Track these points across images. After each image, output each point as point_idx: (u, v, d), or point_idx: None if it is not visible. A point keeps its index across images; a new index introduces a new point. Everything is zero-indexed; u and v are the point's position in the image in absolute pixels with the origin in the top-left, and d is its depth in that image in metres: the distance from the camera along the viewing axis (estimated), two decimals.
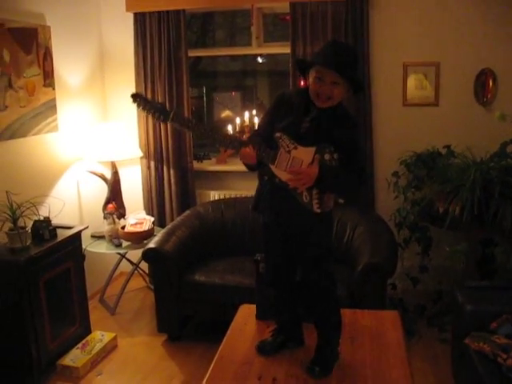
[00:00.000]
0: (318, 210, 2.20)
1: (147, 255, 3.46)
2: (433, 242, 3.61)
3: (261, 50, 4.42)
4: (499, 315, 2.58)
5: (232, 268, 3.53)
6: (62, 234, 3.30)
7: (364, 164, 2.37)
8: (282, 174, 2.17)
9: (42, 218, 3.20)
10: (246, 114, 4.36)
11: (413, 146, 3.75)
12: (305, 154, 2.18)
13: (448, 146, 3.60)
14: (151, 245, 3.48)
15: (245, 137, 3.95)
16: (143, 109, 2.12)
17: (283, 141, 2.17)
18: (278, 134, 2.18)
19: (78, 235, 3.43)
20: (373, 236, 3.46)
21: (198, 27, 5.11)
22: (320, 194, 2.20)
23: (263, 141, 2.20)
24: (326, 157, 2.18)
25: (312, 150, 2.18)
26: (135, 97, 2.11)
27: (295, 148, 2.18)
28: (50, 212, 3.30)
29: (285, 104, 2.28)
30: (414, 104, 3.95)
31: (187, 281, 3.46)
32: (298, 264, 2.31)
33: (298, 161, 2.17)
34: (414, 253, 3.73)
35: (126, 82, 4.33)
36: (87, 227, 3.55)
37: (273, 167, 2.18)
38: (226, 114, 5.39)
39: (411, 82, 3.93)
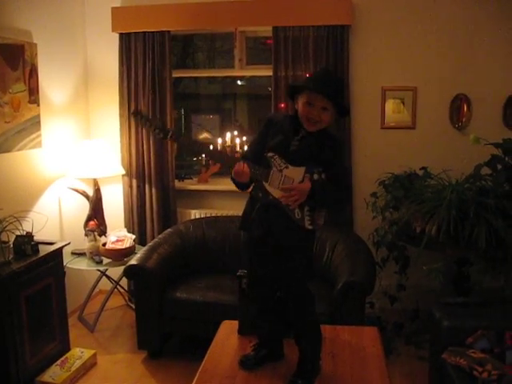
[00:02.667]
0: (310, 227, 2.30)
1: (129, 271, 3.47)
2: (410, 261, 3.70)
3: (243, 73, 4.52)
4: (475, 330, 2.65)
5: (213, 285, 3.56)
6: (44, 250, 3.30)
7: (349, 182, 2.48)
8: (275, 192, 2.27)
9: (24, 233, 3.20)
10: (228, 135, 4.44)
11: (391, 168, 3.85)
12: (295, 173, 2.29)
13: (425, 168, 3.71)
14: (133, 261, 3.50)
15: (237, 155, 4.06)
16: (144, 125, 2.20)
17: (275, 160, 2.28)
18: (270, 154, 2.28)
19: (59, 251, 3.43)
20: (352, 255, 3.53)
21: (178, 50, 5.18)
22: (311, 211, 2.30)
23: (255, 160, 2.30)
24: (315, 177, 2.30)
25: (302, 169, 2.30)
26: (136, 114, 2.19)
27: (286, 167, 2.29)
28: (33, 227, 3.30)
29: (274, 125, 2.38)
30: (392, 127, 4.07)
31: (169, 298, 3.47)
32: (281, 279, 2.37)
33: (289, 179, 2.28)
34: (392, 271, 3.80)
35: (110, 101, 4.38)
36: (69, 243, 3.55)
37: (266, 185, 2.27)
38: (204, 135, 5.46)
39: (389, 105, 4.05)
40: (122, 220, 4.45)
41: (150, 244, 3.81)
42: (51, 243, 3.43)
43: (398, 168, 3.82)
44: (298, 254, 2.33)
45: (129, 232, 4.28)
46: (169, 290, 3.51)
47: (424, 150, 3.99)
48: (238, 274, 2.66)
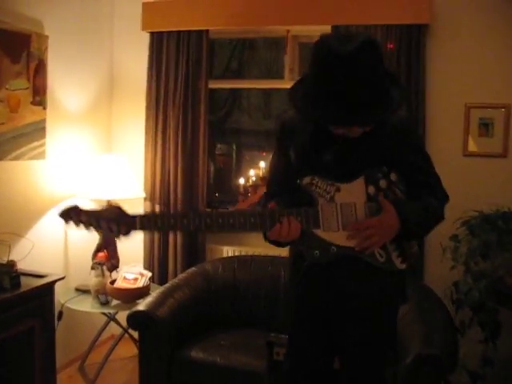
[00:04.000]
0: (404, 265, 1.62)
1: (133, 320, 2.72)
2: (502, 328, 2.80)
3: None
4: None
5: (240, 344, 2.77)
6: (29, 284, 2.60)
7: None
8: (338, 237, 1.55)
9: (5, 262, 2.53)
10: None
11: (476, 205, 3.00)
12: (353, 193, 1.57)
13: None
14: (140, 307, 2.75)
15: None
16: (85, 227, 1.55)
17: (318, 186, 1.56)
18: (307, 180, 1.57)
19: (49, 286, 2.71)
20: (424, 316, 2.68)
21: (219, 59, 4.51)
22: (398, 243, 1.62)
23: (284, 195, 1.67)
24: (382, 184, 1.58)
25: (360, 181, 1.58)
26: (65, 215, 1.64)
27: (338, 190, 1.57)
28: (23, 255, 2.66)
29: (292, 132, 1.71)
30: (478, 154, 3.23)
31: (181, 357, 2.70)
32: (356, 357, 1.71)
33: (349, 208, 1.57)
34: (476, 340, 2.91)
35: (137, 111, 3.74)
36: (63, 278, 2.83)
37: (320, 232, 1.55)
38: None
39: (474, 127, 3.23)
40: (139, 254, 3.73)
41: (166, 285, 3.07)
42: (41, 276, 2.73)
43: (486, 205, 2.96)
44: (388, 315, 1.71)
45: (147, 268, 3.56)
46: (182, 346, 2.74)
47: None
48: (269, 339, 1.89)
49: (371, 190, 1.59)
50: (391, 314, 1.72)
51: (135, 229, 1.52)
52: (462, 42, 3.22)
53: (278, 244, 1.63)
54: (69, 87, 3.40)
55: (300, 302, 1.72)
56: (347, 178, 1.58)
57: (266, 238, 1.64)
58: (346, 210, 1.56)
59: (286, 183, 1.68)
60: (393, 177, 1.62)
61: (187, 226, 1.50)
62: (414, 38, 3.15)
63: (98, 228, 1.56)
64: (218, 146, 4.88)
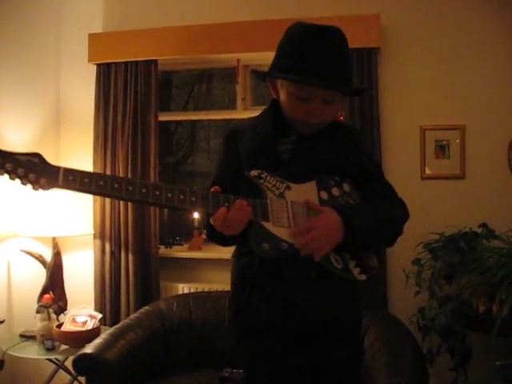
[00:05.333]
0: (364, 277, 1.48)
1: (79, 364, 2.49)
2: (471, 353, 2.68)
3: (248, 114, 3.69)
4: None
5: None
6: None
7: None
8: (287, 234, 1.42)
9: None
10: None
11: (436, 227, 2.93)
12: (304, 195, 1.47)
13: (484, 225, 2.78)
14: (87, 349, 2.53)
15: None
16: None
17: (267, 180, 1.44)
18: (254, 172, 1.44)
19: None
20: (390, 346, 2.55)
21: (167, 91, 4.40)
22: (354, 252, 1.51)
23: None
24: (335, 192, 1.50)
25: (312, 185, 1.49)
26: None
27: (288, 188, 1.46)
28: None
29: (242, 136, 1.62)
30: (435, 177, 3.18)
31: None
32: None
33: (301, 207, 1.46)
34: (444, 367, 2.78)
35: (85, 145, 3.55)
36: (3, 321, 2.61)
37: (269, 225, 1.40)
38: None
39: (430, 149, 3.18)
40: (89, 294, 3.49)
41: (117, 326, 2.85)
42: None
43: (447, 227, 2.89)
44: (351, 334, 1.57)
45: (98, 310, 3.34)
46: None
47: (478, 203, 3.06)
48: (222, 374, 1.72)
49: (324, 195, 1.48)
50: (352, 333, 1.57)
51: (57, 184, 1.29)
52: (414, 65, 3.20)
53: (222, 239, 1.49)
54: (13, 121, 3.23)
55: (248, 335, 1.56)
56: (298, 179, 1.49)
57: (208, 234, 1.53)
58: (297, 208, 1.45)
59: (229, 180, 1.56)
60: (346, 187, 1.53)
61: (118, 191, 1.30)
62: (365, 61, 3.12)
63: (13, 174, 1.29)
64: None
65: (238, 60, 3.54)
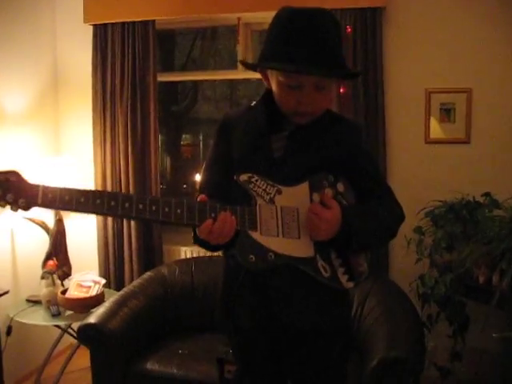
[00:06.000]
0: (351, 284, 1.45)
1: (83, 334, 2.55)
2: (469, 322, 2.70)
3: (248, 75, 3.61)
4: None
5: (199, 352, 2.62)
6: None
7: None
8: (278, 243, 1.38)
9: None
10: None
11: (440, 194, 2.89)
12: (296, 198, 1.41)
13: (488, 194, 2.74)
14: (90, 319, 2.57)
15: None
16: None
17: (257, 185, 1.39)
18: (244, 177, 1.39)
19: None
20: (389, 314, 2.58)
21: (167, 50, 4.30)
22: (343, 257, 1.46)
23: (219, 195, 1.47)
24: (328, 193, 1.44)
25: (304, 187, 1.43)
26: None
27: (279, 192, 1.40)
28: None
29: (235, 128, 1.53)
30: (440, 141, 3.12)
31: (136, 369, 2.54)
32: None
33: (291, 213, 1.41)
34: (443, 334, 2.81)
35: (85, 108, 3.51)
36: (7, 292, 2.64)
37: (256, 235, 1.36)
38: None
39: (435, 113, 3.11)
40: (94, 259, 3.53)
41: (120, 293, 2.89)
42: None
43: (450, 194, 2.85)
44: (338, 338, 1.54)
45: (102, 274, 3.39)
46: (138, 358, 2.57)
47: (483, 170, 3.02)
48: (220, 356, 1.74)
49: (316, 197, 1.43)
50: (339, 338, 1.55)
51: (37, 204, 1.24)
52: (420, 25, 3.09)
53: (208, 247, 1.42)
54: (10, 85, 3.17)
55: (239, 331, 1.55)
56: (290, 182, 1.43)
57: (195, 239, 1.44)
58: (287, 214, 1.40)
59: (220, 184, 1.51)
60: (340, 187, 1.47)
61: (100, 207, 1.25)
62: (369, 21, 3.01)
63: None
64: (184, 136, 4.70)
65: (239, 19, 3.42)
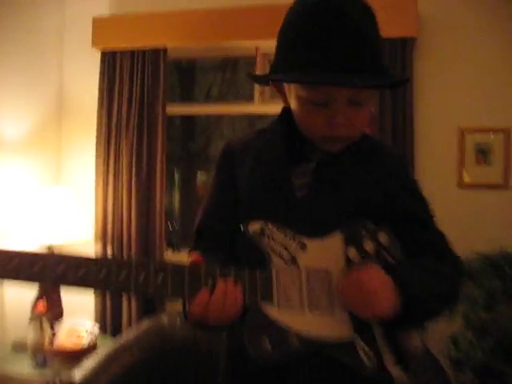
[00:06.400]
0: (403, 376, 1.06)
1: None
2: None
3: (265, 109, 3.35)
4: None
5: None
6: None
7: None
8: (303, 322, 1.03)
9: None
10: None
11: (475, 245, 2.56)
12: (326, 255, 1.08)
13: None
14: (77, 376, 2.26)
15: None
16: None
17: (272, 238, 1.06)
18: (255, 227, 1.06)
19: None
20: (420, 376, 2.23)
21: (178, 79, 4.10)
22: (390, 336, 1.09)
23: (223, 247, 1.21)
24: (368, 246, 1.10)
25: (336, 239, 1.09)
26: None
27: (302, 247, 1.07)
28: None
29: (241, 159, 1.21)
30: (475, 185, 2.82)
31: None
32: None
33: (320, 277, 1.07)
34: None
35: (88, 138, 3.27)
36: None
37: (273, 311, 1.03)
38: None
39: (470, 154, 2.82)
40: (89, 301, 3.23)
41: (112, 347, 2.56)
42: None
43: (487, 245, 2.53)
44: None
45: (99, 318, 3.10)
46: None
47: None
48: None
49: (353, 253, 1.09)
50: None
51: None
52: (454, 59, 2.83)
53: (206, 328, 1.04)
54: (14, 110, 2.97)
55: None
56: (317, 232, 1.09)
57: (185, 316, 1.07)
58: (315, 278, 1.06)
59: (224, 225, 1.21)
60: (383, 238, 1.12)
61: (40, 275, 0.93)
62: (399, 53, 2.75)
63: None
64: (199, 174, 4.49)
65: (257, 48, 3.20)
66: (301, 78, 1.03)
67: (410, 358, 1.10)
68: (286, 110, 1.19)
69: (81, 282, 0.94)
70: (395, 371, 1.06)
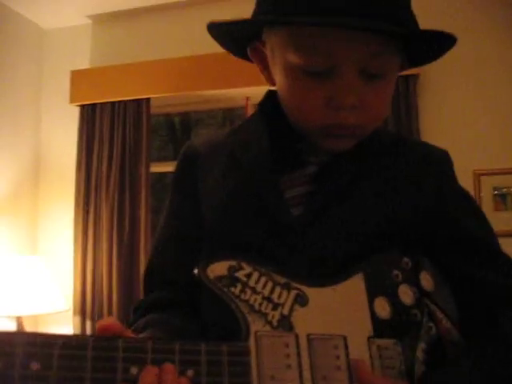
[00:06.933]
0: None
1: None
2: None
3: None
4: None
5: None
6: None
7: None
8: None
9: None
10: None
11: None
12: (339, 315, 0.67)
13: None
14: None
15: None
16: None
17: (250, 288, 0.67)
18: (219, 271, 0.67)
19: None
20: None
21: (163, 136, 3.88)
22: None
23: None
24: (405, 297, 0.70)
25: (356, 285, 0.69)
26: None
27: (300, 301, 0.68)
28: None
29: (207, 167, 0.83)
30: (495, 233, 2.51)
31: None
32: None
33: (329, 348, 0.65)
34: None
35: (66, 200, 2.98)
36: None
37: None
38: None
39: (487, 200, 2.53)
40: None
41: None
42: None
43: None
44: None
45: None
46: None
47: None
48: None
49: (382, 307, 0.71)
50: None
51: None
52: (462, 96, 2.59)
53: None
54: None
55: None
56: (325, 275, 0.72)
57: None
58: (322, 352, 0.66)
59: (181, 269, 0.85)
60: (426, 281, 0.74)
61: None
62: (402, 91, 2.52)
63: None
64: None
65: (247, 98, 2.97)
66: (289, 19, 0.69)
67: None
68: (270, 95, 0.86)
69: None
70: None
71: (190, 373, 0.60)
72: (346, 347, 0.67)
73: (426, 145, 0.89)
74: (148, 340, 0.61)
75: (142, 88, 2.84)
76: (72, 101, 2.94)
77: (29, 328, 2.66)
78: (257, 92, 2.79)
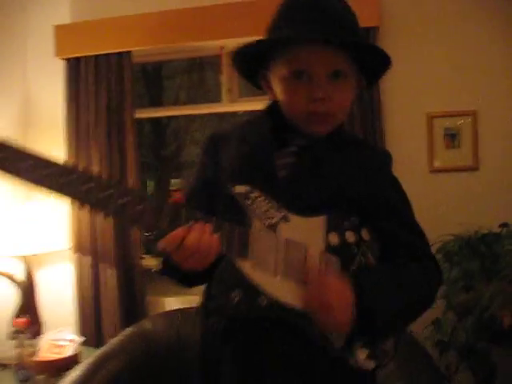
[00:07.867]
0: (371, 364, 1.08)
1: None
2: (497, 371, 2.37)
3: (234, 107, 3.35)
4: None
5: None
6: None
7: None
8: (274, 286, 1.04)
9: None
10: None
11: (448, 227, 2.59)
12: (306, 232, 1.07)
13: (505, 225, 2.46)
14: None
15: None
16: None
17: (256, 203, 1.05)
18: (241, 189, 1.06)
19: None
20: (404, 361, 2.24)
21: (145, 84, 4.08)
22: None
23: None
24: (349, 237, 1.10)
25: (319, 221, 1.09)
26: None
27: (285, 219, 1.07)
28: None
29: (226, 146, 1.23)
30: (445, 169, 2.85)
31: None
32: None
33: (298, 250, 1.07)
34: None
35: (56, 149, 3.21)
36: None
37: (247, 266, 1.03)
38: None
39: (439, 139, 2.86)
40: (70, 315, 3.17)
41: (96, 354, 2.54)
42: None
43: (461, 227, 2.56)
44: None
45: (81, 332, 3.05)
46: None
47: (496, 198, 2.75)
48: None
49: (334, 238, 1.10)
50: None
51: None
52: (417, 45, 2.86)
53: (178, 274, 1.13)
54: None
55: None
56: (302, 210, 1.10)
57: (162, 268, 1.17)
58: (292, 250, 1.06)
59: (204, 198, 1.22)
60: (365, 234, 1.14)
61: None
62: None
63: None
64: (172, 181, 4.45)
65: (222, 47, 3.19)
66: (273, 37, 1.15)
67: (380, 354, 1.11)
68: (273, 104, 1.23)
69: (62, 189, 0.96)
70: (362, 356, 1.08)
71: (217, 234, 1.00)
72: (307, 252, 1.08)
73: (375, 146, 1.34)
74: (197, 212, 1.02)
75: (123, 41, 3.03)
76: (57, 54, 3.12)
77: (33, 268, 2.96)
78: (230, 43, 3.05)
